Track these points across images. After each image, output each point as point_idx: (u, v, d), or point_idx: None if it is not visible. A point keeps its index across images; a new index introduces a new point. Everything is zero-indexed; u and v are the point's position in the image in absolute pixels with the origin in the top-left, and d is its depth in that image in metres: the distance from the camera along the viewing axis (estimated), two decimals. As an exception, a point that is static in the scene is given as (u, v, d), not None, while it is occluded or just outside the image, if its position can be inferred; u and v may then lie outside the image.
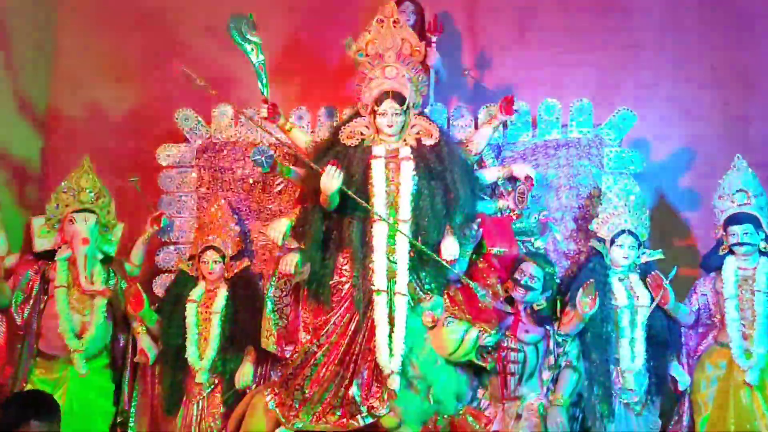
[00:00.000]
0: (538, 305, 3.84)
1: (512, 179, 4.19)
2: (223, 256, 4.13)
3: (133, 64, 4.96)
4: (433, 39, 4.41)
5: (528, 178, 4.11)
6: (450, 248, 3.82)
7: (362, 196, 3.79)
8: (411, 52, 4.00)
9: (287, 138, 4.04)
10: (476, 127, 4.35)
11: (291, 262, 3.85)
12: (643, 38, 4.81)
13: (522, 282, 3.83)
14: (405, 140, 3.98)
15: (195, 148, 4.50)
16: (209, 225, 4.19)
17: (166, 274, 4.39)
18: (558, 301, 3.85)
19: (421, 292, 3.87)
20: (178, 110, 4.50)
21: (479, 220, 3.99)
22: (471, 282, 3.83)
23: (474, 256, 4.01)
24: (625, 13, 4.83)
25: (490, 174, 4.18)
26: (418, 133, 3.98)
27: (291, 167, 3.99)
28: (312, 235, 3.86)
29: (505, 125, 4.35)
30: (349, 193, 3.76)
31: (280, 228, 3.84)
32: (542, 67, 4.74)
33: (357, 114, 4.04)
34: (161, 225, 4.28)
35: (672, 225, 4.62)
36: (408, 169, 3.88)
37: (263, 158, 3.73)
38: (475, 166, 4.16)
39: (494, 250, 3.98)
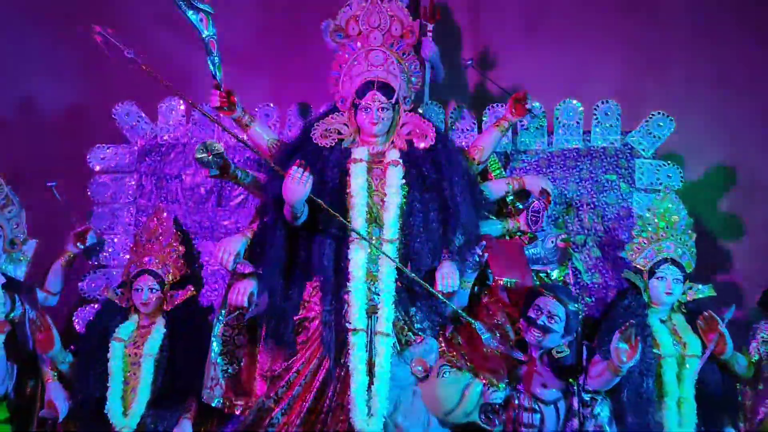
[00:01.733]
0: (558, 352, 3.02)
1: (524, 194, 3.41)
2: (162, 283, 3.29)
3: (72, 57, 4.17)
4: (429, 27, 3.66)
5: (544, 193, 3.33)
6: (447, 277, 3.02)
7: (338, 209, 2.99)
8: (402, 33, 3.24)
9: (246, 136, 3.23)
10: (480, 132, 3.58)
11: (244, 291, 3.01)
12: (674, 37, 4.08)
13: (539, 322, 3.01)
14: (393, 142, 3.20)
15: (136, 149, 3.69)
16: (147, 243, 3.36)
17: (93, 306, 3.53)
18: (584, 348, 3.03)
19: (410, 333, 3.06)
20: (118, 104, 3.70)
21: (484, 243, 3.19)
22: (473, 321, 3.02)
23: (477, 288, 3.22)
24: (653, 9, 4.11)
25: (497, 187, 3.39)
26: (409, 133, 3.20)
27: (248, 171, 3.18)
28: (272, 257, 3.05)
29: (514, 130, 3.58)
30: (321, 203, 2.95)
31: (231, 247, 3.01)
32: (556, 67, 3.97)
33: (334, 109, 3.25)
34: (87, 243, 3.45)
35: (710, 255, 3.83)
36: (396, 176, 3.09)
37: (211, 157, 2.92)
38: (479, 178, 3.38)
39: (503, 281, 3.18)
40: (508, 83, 3.83)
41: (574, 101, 3.61)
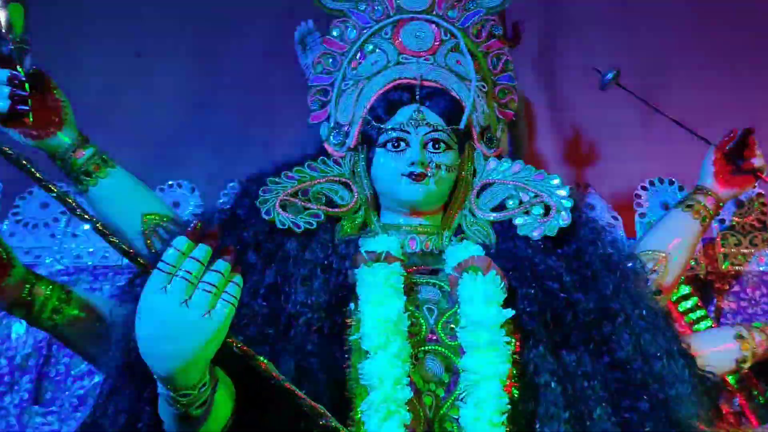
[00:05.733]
0: None
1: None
2: None
3: None
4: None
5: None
6: None
7: (325, 394, 0.96)
8: (476, -10, 1.43)
9: (86, 201, 1.27)
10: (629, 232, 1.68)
11: None
12: None
13: None
14: (464, 225, 1.27)
15: None
16: None
17: None
18: None
19: None
20: None
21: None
22: None
23: None
24: None
25: (716, 345, 1.38)
26: (501, 205, 1.26)
27: (69, 290, 1.17)
28: None
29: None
30: (274, 375, 0.92)
31: None
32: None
33: (318, 154, 1.34)
34: None
35: None
36: (483, 303, 1.11)
37: None
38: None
39: None
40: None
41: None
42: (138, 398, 0.98)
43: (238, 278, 0.89)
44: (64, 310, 1.12)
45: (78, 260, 1.61)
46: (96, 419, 1.04)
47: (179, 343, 0.85)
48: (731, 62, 1.92)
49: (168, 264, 0.86)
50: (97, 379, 1.50)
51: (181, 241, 0.87)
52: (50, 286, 1.12)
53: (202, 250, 0.87)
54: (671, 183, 1.75)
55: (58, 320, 1.12)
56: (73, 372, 1.49)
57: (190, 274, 0.86)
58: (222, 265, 0.88)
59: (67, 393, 1.48)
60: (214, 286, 0.87)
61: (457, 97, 1.30)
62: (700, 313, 1.54)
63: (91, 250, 1.60)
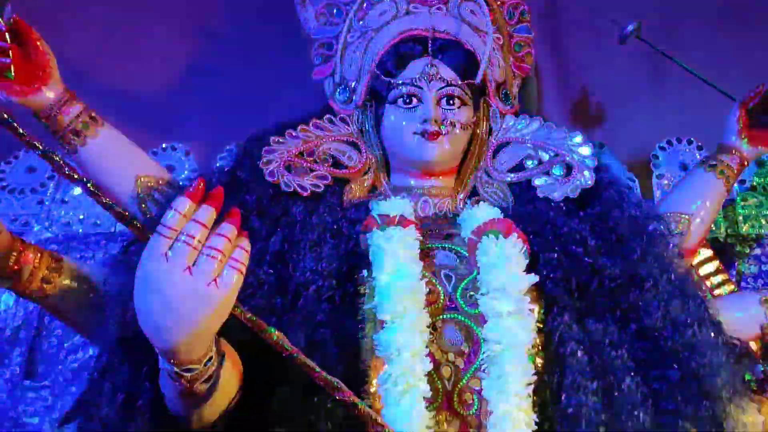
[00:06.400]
0: None
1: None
2: None
3: None
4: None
5: None
6: None
7: (337, 366, 0.89)
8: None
9: (74, 164, 1.18)
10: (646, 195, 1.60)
11: None
12: None
13: None
14: (479, 186, 1.19)
15: None
16: None
17: None
18: None
19: None
20: None
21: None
22: None
23: None
24: None
25: (739, 312, 1.32)
26: (518, 166, 1.20)
27: (61, 259, 1.09)
28: None
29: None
30: (286, 348, 0.85)
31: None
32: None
33: (323, 112, 1.25)
34: None
35: None
36: (505, 269, 1.03)
37: None
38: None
39: None
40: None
41: None
42: (136, 374, 0.91)
43: (245, 243, 0.82)
44: (54, 279, 1.05)
45: (67, 227, 1.52)
46: (91, 397, 0.97)
47: (183, 314, 0.77)
48: (752, 15, 1.84)
49: (168, 227, 0.78)
50: (92, 351, 1.43)
51: (183, 202, 0.79)
52: (39, 254, 1.05)
53: (206, 212, 0.80)
54: (690, 142, 1.68)
55: (48, 290, 1.04)
56: (66, 345, 1.41)
57: (193, 238, 0.78)
58: (227, 228, 0.81)
59: (60, 367, 1.41)
60: (219, 251, 0.79)
61: (472, 49, 1.22)
62: (721, 277, 1.48)
63: (81, 216, 1.52)
